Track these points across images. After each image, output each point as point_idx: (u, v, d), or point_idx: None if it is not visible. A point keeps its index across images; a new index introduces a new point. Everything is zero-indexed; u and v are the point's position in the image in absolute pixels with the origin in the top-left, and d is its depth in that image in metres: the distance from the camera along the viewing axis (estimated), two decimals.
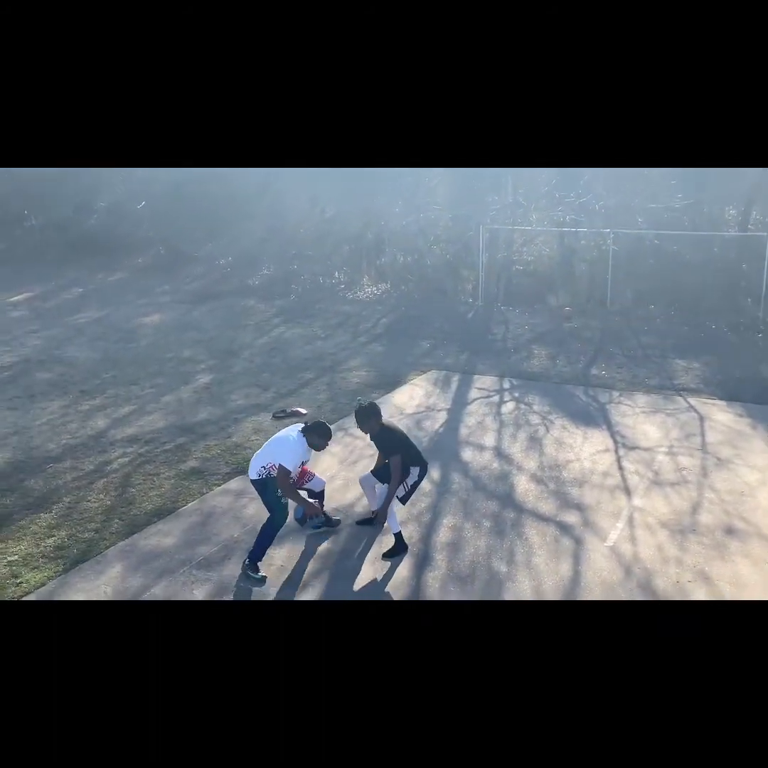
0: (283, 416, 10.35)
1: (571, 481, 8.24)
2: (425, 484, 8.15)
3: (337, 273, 21.08)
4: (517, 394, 11.46)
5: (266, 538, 6.53)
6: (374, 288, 20.24)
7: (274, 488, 6.50)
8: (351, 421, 10.17)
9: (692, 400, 10.91)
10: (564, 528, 7.19)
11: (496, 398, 11.31)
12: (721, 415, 10.25)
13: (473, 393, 11.55)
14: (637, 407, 10.69)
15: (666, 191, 17.42)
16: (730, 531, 7.05)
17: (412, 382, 12.15)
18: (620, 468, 8.59)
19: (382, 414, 6.96)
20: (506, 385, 11.97)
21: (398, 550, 6.86)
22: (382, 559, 6.81)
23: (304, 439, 6.63)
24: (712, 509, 7.49)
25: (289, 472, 6.46)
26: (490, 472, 8.56)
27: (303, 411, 10.53)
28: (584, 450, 9.13)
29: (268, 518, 6.58)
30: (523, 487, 8.13)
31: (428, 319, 16.83)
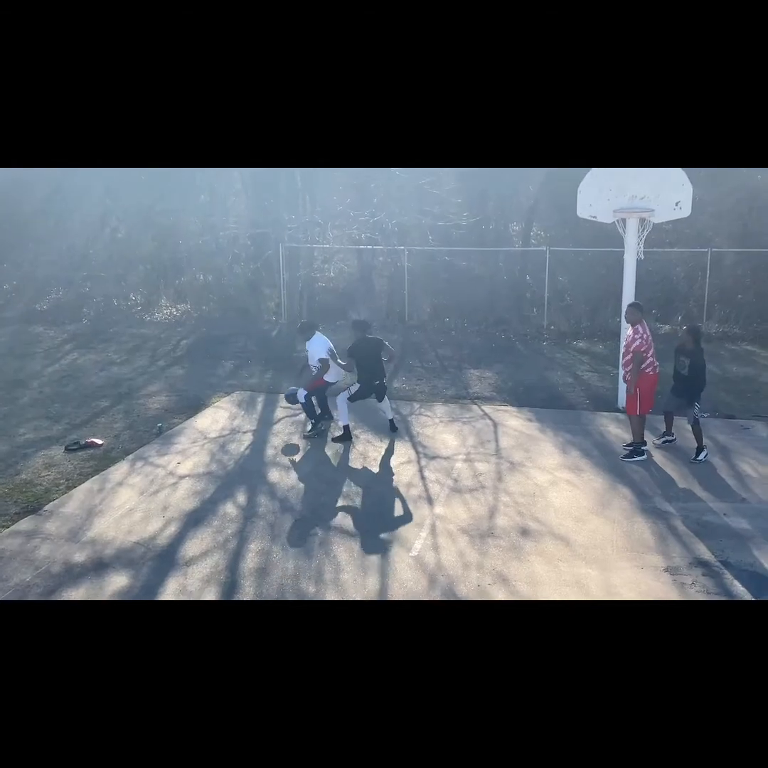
0: (77, 448, 9.82)
1: (377, 494, 8.40)
2: (231, 509, 8.05)
3: (132, 294, 20.36)
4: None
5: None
6: (173, 309, 19.73)
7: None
8: (151, 450, 9.86)
9: (486, 408, 11.47)
10: (370, 542, 7.31)
11: (301, 416, 11.32)
12: (512, 421, 10.84)
13: (279, 412, 11.51)
14: (437, 417, 11.10)
15: (453, 209, 18.26)
16: (524, 532, 7.46)
17: (215, 404, 11.93)
18: (422, 477, 8.87)
19: (365, 331, 10.40)
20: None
21: (344, 438, 10.01)
22: (331, 441, 10.01)
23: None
24: (508, 512, 7.90)
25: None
26: (297, 492, 8.55)
27: (99, 442, 10.05)
28: (389, 462, 9.34)
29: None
30: (330, 504, 8.19)
31: (231, 339, 16.62)
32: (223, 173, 20.74)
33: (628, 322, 9.36)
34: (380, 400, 10.29)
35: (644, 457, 9.21)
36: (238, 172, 20.22)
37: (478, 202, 19.54)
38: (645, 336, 9.08)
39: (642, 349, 9.00)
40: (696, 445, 9.18)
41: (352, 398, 10.07)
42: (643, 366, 9.06)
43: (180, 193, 19.95)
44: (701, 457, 9.15)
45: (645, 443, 9.36)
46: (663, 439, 9.71)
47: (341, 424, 10.09)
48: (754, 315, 16.47)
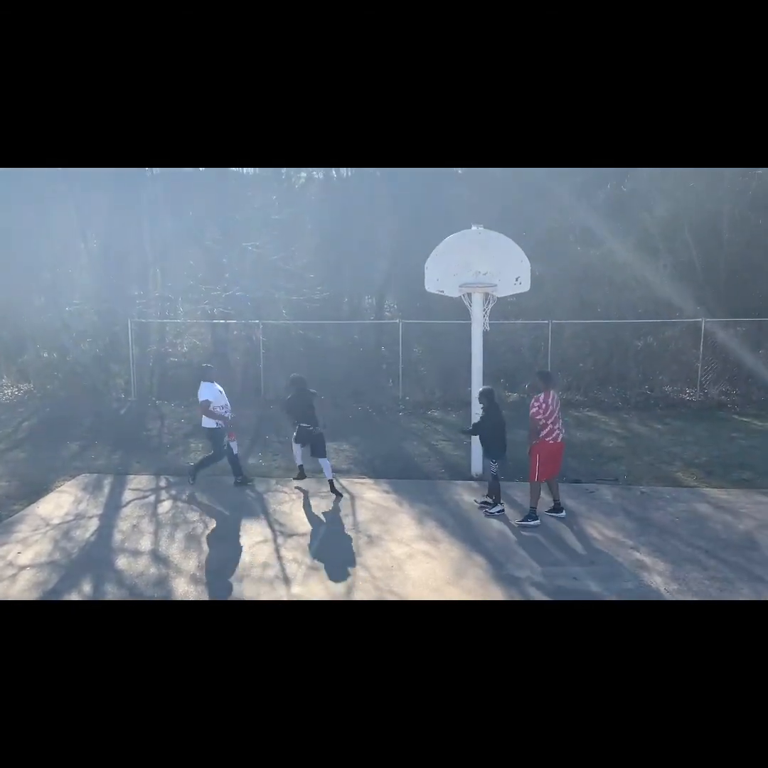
0: None
1: (230, 577, 8.12)
2: (77, 600, 7.57)
3: None
4: (174, 492, 11.15)
5: (207, 462, 11.14)
6: (15, 389, 18.78)
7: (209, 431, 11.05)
8: None
9: (343, 481, 11.43)
10: None
11: (151, 498, 10.91)
12: (370, 493, 10.85)
13: (127, 495, 11.03)
14: (293, 493, 10.95)
15: (306, 284, 18.46)
16: None
17: (59, 489, 11.30)
18: (279, 557, 8.67)
19: (303, 386, 10.96)
20: (163, 482, 11.61)
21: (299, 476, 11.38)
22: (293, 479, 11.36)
23: (205, 383, 10.90)
24: (365, 587, 7.82)
25: (210, 402, 10.76)
26: (146, 578, 8.14)
27: None
28: (243, 542, 9.10)
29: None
30: (182, 589, 7.85)
31: (77, 418, 15.93)
32: (68, 248, 20.16)
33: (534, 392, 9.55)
34: (316, 453, 10.87)
35: (538, 522, 9.36)
36: (84, 246, 19.70)
37: (332, 276, 19.86)
38: (544, 405, 9.18)
39: (537, 417, 9.16)
40: (494, 499, 9.90)
41: (295, 439, 11.13)
42: (543, 434, 9.23)
43: (21, 269, 19.16)
44: (494, 510, 9.79)
45: (536, 509, 9.45)
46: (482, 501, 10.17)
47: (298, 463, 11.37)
48: (594, 382, 17.43)
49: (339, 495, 10.67)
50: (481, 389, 10.09)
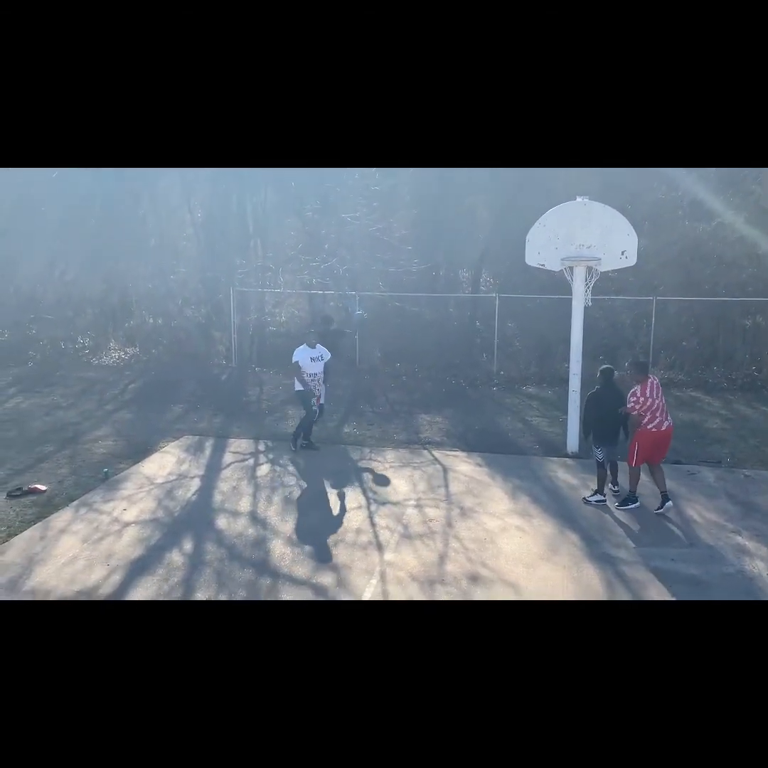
0: (20, 495, 9.55)
1: (326, 541, 8.29)
2: (177, 557, 7.87)
3: (80, 337, 20.07)
4: (272, 456, 11.42)
5: (303, 425, 11.63)
6: (122, 352, 19.50)
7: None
8: (96, 496, 9.63)
9: (436, 453, 11.47)
10: (319, 590, 7.19)
11: (250, 461, 11.20)
12: (462, 466, 10.85)
13: (228, 457, 11.36)
14: (387, 462, 11.05)
15: (403, 257, 18.44)
16: (474, 579, 7.41)
17: (163, 449, 11.73)
18: (372, 524, 8.79)
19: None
20: (261, 447, 11.90)
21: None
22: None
23: (302, 346, 11.51)
24: (458, 558, 7.85)
25: (297, 364, 11.32)
26: (245, 538, 8.40)
27: (42, 488, 9.79)
28: (337, 508, 9.26)
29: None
30: (279, 551, 8.06)
31: (180, 383, 16.44)
32: (173, 217, 20.71)
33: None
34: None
35: (638, 504, 9.12)
36: (189, 216, 20.20)
37: (429, 249, 19.76)
38: (641, 398, 8.83)
39: (634, 413, 8.88)
40: (599, 486, 9.36)
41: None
42: (644, 422, 8.92)
43: (129, 236, 19.82)
44: (593, 499, 9.32)
45: (635, 493, 9.20)
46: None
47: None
48: (698, 362, 16.85)
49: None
50: (602, 367, 9.47)
